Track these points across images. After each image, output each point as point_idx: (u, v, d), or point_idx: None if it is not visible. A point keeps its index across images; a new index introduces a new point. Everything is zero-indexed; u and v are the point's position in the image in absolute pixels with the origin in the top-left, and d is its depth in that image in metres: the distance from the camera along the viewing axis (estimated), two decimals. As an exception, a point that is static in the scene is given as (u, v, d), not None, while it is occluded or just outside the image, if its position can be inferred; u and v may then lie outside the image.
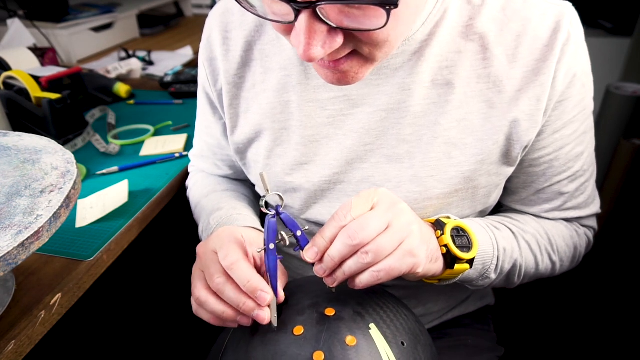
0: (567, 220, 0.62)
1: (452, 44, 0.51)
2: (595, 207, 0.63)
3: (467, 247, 0.49)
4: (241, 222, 0.59)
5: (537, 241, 0.59)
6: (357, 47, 0.41)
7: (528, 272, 0.59)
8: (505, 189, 0.61)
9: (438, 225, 0.50)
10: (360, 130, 0.54)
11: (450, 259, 0.49)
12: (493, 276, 0.55)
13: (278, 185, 0.60)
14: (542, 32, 0.50)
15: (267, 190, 0.42)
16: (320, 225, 0.61)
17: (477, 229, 0.54)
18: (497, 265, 0.55)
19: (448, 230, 0.49)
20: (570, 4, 0.52)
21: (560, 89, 0.51)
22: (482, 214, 0.61)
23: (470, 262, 0.49)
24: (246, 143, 0.61)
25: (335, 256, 0.43)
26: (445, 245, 0.48)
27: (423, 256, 0.45)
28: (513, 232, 0.58)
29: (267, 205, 0.43)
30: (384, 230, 0.43)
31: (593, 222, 0.65)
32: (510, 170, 0.56)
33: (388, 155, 0.54)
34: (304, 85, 0.55)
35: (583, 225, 0.64)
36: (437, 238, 0.49)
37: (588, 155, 0.59)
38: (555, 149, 0.55)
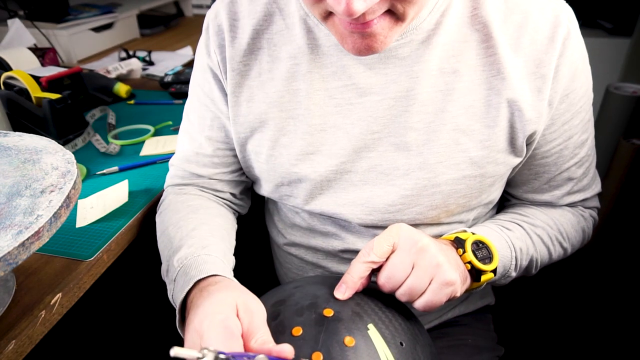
0: (572, 205, 0.66)
1: (458, 33, 0.53)
2: (597, 187, 0.67)
3: (489, 257, 0.52)
4: (209, 267, 0.52)
5: (547, 233, 0.62)
6: (392, 4, 0.43)
7: (543, 262, 0.63)
8: (517, 181, 0.64)
9: (458, 242, 0.53)
10: (368, 118, 0.55)
11: (475, 273, 0.52)
12: (513, 274, 0.59)
13: (282, 176, 0.60)
14: (542, 25, 0.52)
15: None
16: (323, 216, 0.62)
17: (492, 236, 0.56)
18: (515, 264, 0.58)
19: (469, 246, 0.52)
20: (563, 1, 0.54)
21: (564, 83, 0.53)
22: (486, 207, 0.63)
23: (494, 270, 0.52)
24: (248, 133, 0.60)
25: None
26: (469, 262, 0.51)
27: (459, 282, 0.49)
28: (525, 229, 0.61)
29: None
30: (411, 272, 0.47)
31: (596, 202, 0.68)
32: (516, 161, 0.57)
33: (396, 143, 0.55)
34: (314, 74, 0.56)
35: (588, 207, 0.67)
36: (460, 256, 0.52)
37: (591, 140, 0.62)
38: (564, 139, 0.58)
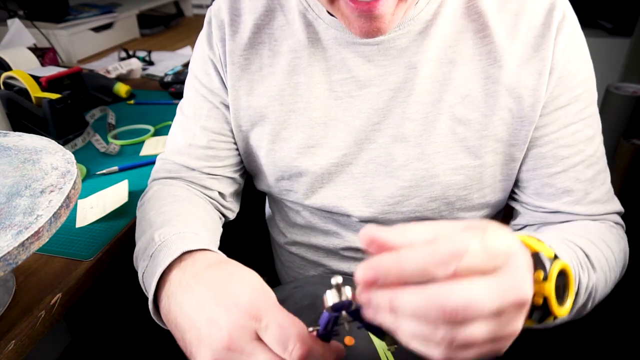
0: (595, 217, 0.57)
1: (455, 24, 0.53)
2: (618, 204, 0.59)
3: (561, 296, 0.37)
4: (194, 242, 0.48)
5: (602, 257, 0.52)
6: None
7: (599, 297, 0.53)
8: (522, 178, 0.57)
9: (538, 261, 0.34)
10: (368, 110, 0.55)
11: (543, 312, 0.35)
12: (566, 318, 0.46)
13: (283, 170, 0.59)
14: (538, 12, 0.52)
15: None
16: (324, 213, 0.62)
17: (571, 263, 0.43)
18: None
19: (554, 276, 0.34)
20: None
21: (559, 63, 0.52)
22: (492, 208, 0.60)
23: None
24: (249, 127, 0.60)
25: (406, 309, 0.29)
26: (544, 297, 0.34)
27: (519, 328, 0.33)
28: (592, 264, 0.50)
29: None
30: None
31: (620, 221, 0.60)
32: (517, 152, 0.55)
33: (394, 134, 0.55)
34: (314, 67, 0.56)
35: (617, 223, 0.59)
36: (536, 282, 0.34)
37: (599, 143, 0.56)
38: (559, 127, 0.53)
